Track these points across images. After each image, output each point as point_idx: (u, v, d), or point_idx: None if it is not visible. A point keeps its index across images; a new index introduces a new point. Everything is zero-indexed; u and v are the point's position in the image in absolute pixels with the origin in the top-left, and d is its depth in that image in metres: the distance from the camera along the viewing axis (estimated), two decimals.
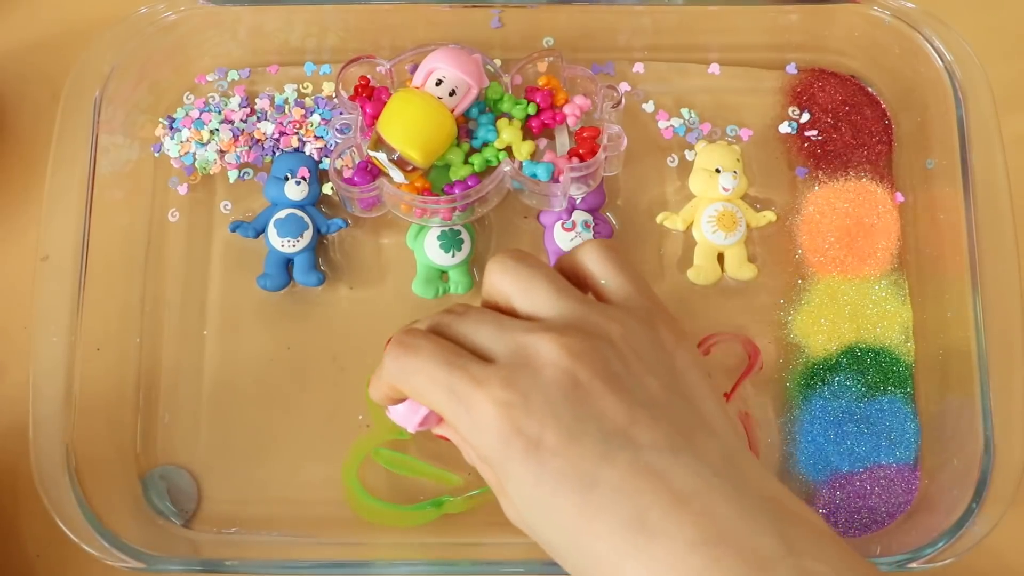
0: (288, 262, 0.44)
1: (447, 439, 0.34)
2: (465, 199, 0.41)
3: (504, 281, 0.31)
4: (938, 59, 0.44)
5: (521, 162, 0.42)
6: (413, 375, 0.30)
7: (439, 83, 0.40)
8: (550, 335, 0.28)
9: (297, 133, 0.45)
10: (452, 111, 0.40)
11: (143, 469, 0.42)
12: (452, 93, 0.40)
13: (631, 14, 0.45)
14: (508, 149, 0.42)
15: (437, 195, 0.41)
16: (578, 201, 0.44)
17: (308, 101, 0.46)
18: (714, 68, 0.47)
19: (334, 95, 0.45)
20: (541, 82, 0.44)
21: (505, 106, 0.43)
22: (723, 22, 0.46)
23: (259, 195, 0.45)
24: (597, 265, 0.32)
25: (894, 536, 0.41)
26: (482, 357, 0.29)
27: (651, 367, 0.29)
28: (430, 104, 0.40)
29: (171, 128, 0.46)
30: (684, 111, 0.46)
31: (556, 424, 0.27)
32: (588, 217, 0.43)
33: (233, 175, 0.45)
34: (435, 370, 0.29)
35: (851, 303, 0.44)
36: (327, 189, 0.45)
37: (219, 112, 0.46)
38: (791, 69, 0.47)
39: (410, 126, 0.39)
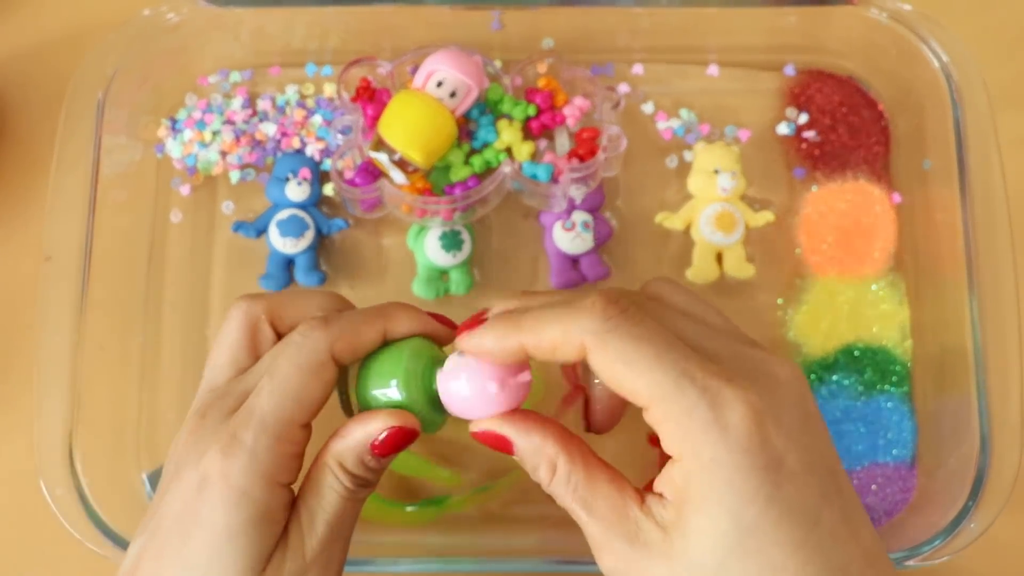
0: (289, 262, 0.44)
1: (488, 438, 0.29)
2: (466, 200, 0.41)
3: (678, 293, 0.29)
4: (935, 60, 0.44)
5: (521, 163, 0.42)
6: (635, 346, 0.25)
7: (440, 84, 0.40)
8: (778, 357, 0.27)
9: (299, 134, 0.46)
10: (453, 112, 0.41)
11: (146, 467, 0.43)
12: (453, 94, 0.40)
13: (630, 16, 0.46)
14: (508, 150, 0.42)
15: (438, 196, 0.42)
16: (578, 201, 0.44)
17: (310, 102, 0.46)
18: (713, 69, 0.47)
19: (335, 96, 0.45)
20: (541, 83, 0.44)
21: (505, 107, 0.43)
22: (721, 24, 0.46)
23: (261, 196, 0.46)
24: None
25: (891, 534, 0.41)
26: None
27: None
28: (431, 105, 0.40)
29: (174, 129, 0.46)
30: (683, 112, 0.47)
31: (798, 447, 0.25)
32: (588, 217, 0.44)
33: (235, 176, 0.46)
34: (667, 349, 0.25)
35: (849, 303, 0.44)
36: (328, 190, 0.45)
37: (221, 113, 0.46)
38: (789, 70, 0.47)
39: (411, 127, 0.40)
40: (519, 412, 0.29)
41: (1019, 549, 0.42)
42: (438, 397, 0.30)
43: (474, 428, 0.29)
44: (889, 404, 0.43)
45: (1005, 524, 0.38)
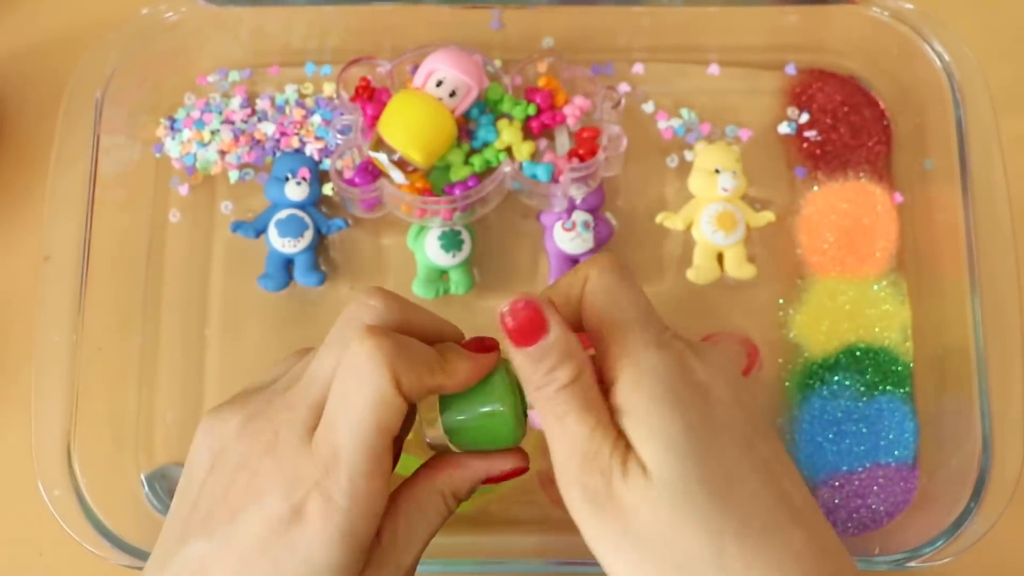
0: (289, 262, 0.44)
1: (524, 311, 0.28)
2: (465, 199, 0.41)
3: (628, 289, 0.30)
4: (936, 60, 0.44)
5: (521, 163, 0.42)
6: (628, 285, 0.29)
7: (439, 84, 0.40)
8: None
9: (298, 134, 0.46)
10: (452, 112, 0.40)
11: (145, 468, 0.43)
12: (452, 94, 0.40)
13: (631, 15, 0.46)
14: (508, 150, 0.42)
15: (438, 196, 0.42)
16: (578, 201, 0.44)
17: (309, 102, 0.46)
18: (713, 69, 0.47)
19: (335, 96, 0.45)
20: (541, 83, 0.44)
21: (505, 107, 0.43)
22: (722, 23, 0.46)
23: (260, 195, 0.45)
24: None
25: (893, 535, 0.41)
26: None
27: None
28: (430, 105, 0.40)
29: (172, 128, 0.46)
30: (684, 112, 0.47)
31: (722, 383, 0.28)
32: (588, 217, 0.44)
33: (234, 175, 0.45)
34: (643, 296, 0.30)
35: (850, 303, 0.44)
36: (327, 189, 0.45)
37: (220, 113, 0.46)
38: (790, 70, 0.47)
39: (411, 127, 0.39)
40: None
41: (1021, 550, 0.42)
42: (525, 414, 0.30)
43: (515, 301, 0.28)
44: (890, 405, 0.43)
45: (1007, 525, 0.38)
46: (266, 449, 0.28)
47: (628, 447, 0.27)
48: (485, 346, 0.30)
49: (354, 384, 0.27)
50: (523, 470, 0.30)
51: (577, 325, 0.29)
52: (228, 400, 0.31)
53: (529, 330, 0.27)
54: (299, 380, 0.29)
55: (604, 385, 0.28)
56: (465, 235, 0.43)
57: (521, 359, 0.28)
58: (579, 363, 0.27)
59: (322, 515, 0.26)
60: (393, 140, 0.40)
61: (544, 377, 0.27)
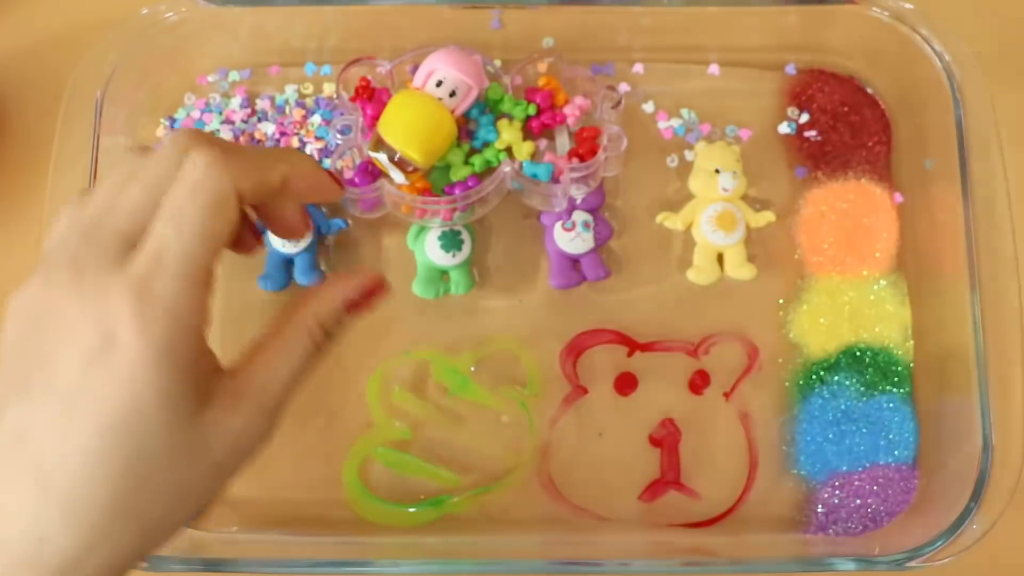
0: (288, 262, 0.44)
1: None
2: (465, 200, 0.41)
3: None
4: (937, 60, 0.44)
5: (521, 162, 0.42)
6: None
7: (439, 84, 0.40)
8: None
9: (298, 134, 0.46)
10: (452, 112, 0.40)
11: None
12: (452, 94, 0.40)
13: (631, 15, 0.46)
14: (508, 149, 0.42)
15: (437, 196, 0.42)
16: (578, 201, 0.44)
17: (309, 102, 0.46)
18: (714, 69, 0.47)
19: (335, 96, 0.45)
20: (541, 82, 0.44)
21: (505, 107, 0.43)
22: (722, 23, 0.46)
23: None
24: None
25: (893, 535, 0.41)
26: None
27: None
28: (430, 105, 0.40)
29: (172, 128, 0.46)
30: (684, 111, 0.47)
31: None
32: (588, 217, 0.44)
33: None
34: None
35: (850, 303, 0.44)
36: None
37: (220, 112, 0.46)
38: (790, 70, 0.47)
39: (410, 127, 0.39)
40: None
41: (1022, 551, 0.42)
42: None
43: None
44: (890, 405, 0.43)
45: (1007, 525, 0.38)
46: (71, 285, 0.26)
47: None
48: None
49: (191, 192, 0.26)
50: (381, 287, 0.31)
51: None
52: None
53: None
54: (96, 216, 0.27)
55: None
56: (465, 235, 0.43)
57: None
58: None
59: (138, 332, 0.25)
60: (393, 140, 0.40)
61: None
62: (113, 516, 0.25)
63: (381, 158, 0.40)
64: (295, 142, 0.45)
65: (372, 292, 0.31)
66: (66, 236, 0.27)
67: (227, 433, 0.27)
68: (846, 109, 0.46)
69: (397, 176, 0.41)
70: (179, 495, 0.26)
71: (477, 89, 0.41)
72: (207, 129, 0.45)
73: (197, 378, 0.26)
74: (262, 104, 0.46)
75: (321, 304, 0.30)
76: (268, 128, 0.46)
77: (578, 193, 0.43)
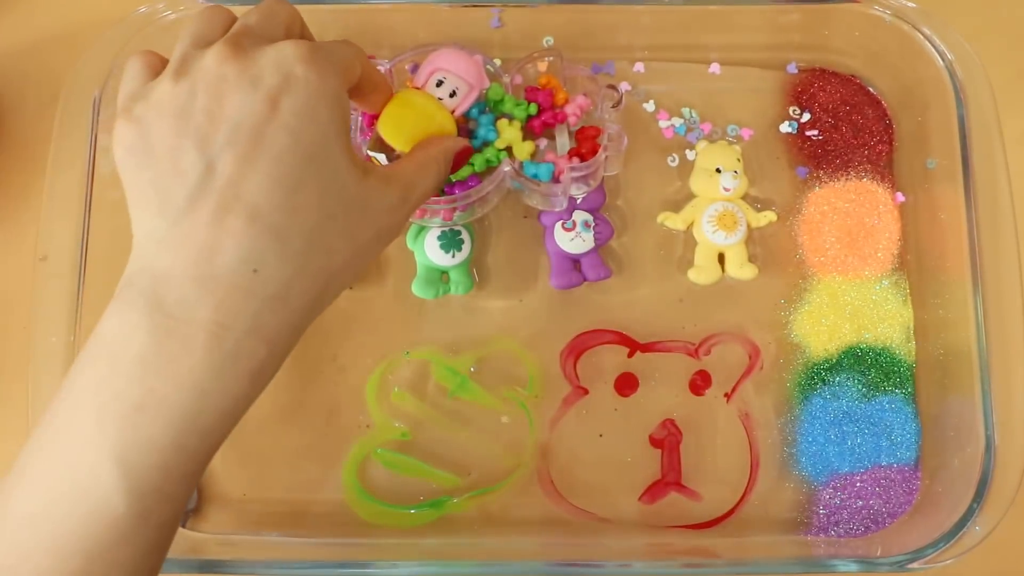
0: None
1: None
2: (465, 199, 0.41)
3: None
4: (939, 58, 0.43)
5: (521, 162, 0.42)
6: None
7: (440, 84, 0.40)
8: None
9: None
10: (452, 112, 0.40)
11: None
12: (452, 94, 0.40)
13: (631, 14, 0.45)
14: (509, 149, 0.42)
15: (437, 195, 0.41)
16: (578, 201, 0.44)
17: None
18: (715, 68, 0.47)
19: None
20: (541, 82, 0.43)
21: (506, 107, 0.42)
22: (723, 22, 0.46)
23: None
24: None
25: (895, 536, 0.41)
26: None
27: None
28: (430, 105, 0.40)
29: None
30: (685, 111, 0.46)
31: None
32: (588, 217, 0.43)
33: None
34: None
35: (852, 303, 0.44)
36: None
37: None
38: (792, 69, 0.47)
39: (410, 126, 0.39)
40: None
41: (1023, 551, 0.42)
42: None
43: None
44: (892, 405, 0.43)
45: (1010, 527, 0.38)
46: (234, 57, 0.29)
47: None
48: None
49: (345, 44, 0.33)
50: (470, 149, 0.38)
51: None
52: None
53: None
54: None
55: None
56: (465, 235, 0.43)
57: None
58: None
59: (315, 72, 0.29)
60: (392, 140, 0.40)
61: None
62: (311, 247, 0.28)
63: (380, 158, 0.40)
64: None
65: (466, 152, 0.38)
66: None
67: (383, 203, 0.31)
68: (848, 108, 0.46)
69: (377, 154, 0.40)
70: (354, 246, 0.30)
71: (478, 90, 0.41)
72: None
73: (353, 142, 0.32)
74: None
75: (441, 144, 0.36)
76: None
77: (578, 193, 0.43)
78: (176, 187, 0.28)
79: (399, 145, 0.39)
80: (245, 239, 0.27)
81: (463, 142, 0.38)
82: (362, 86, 0.34)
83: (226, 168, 0.27)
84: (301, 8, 0.45)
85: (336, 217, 0.29)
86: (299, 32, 0.33)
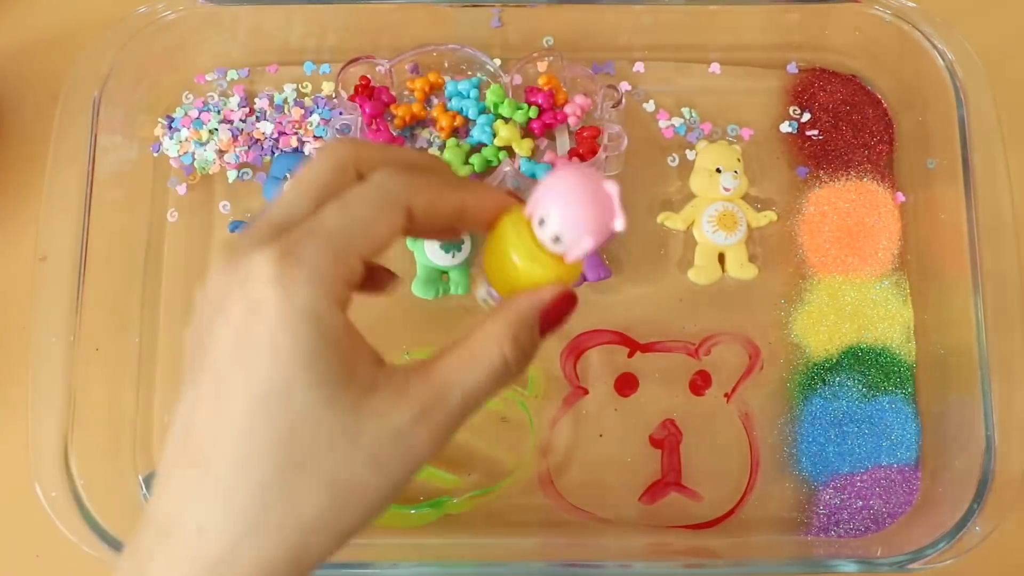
0: None
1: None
2: None
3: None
4: (939, 58, 0.43)
5: (520, 161, 0.42)
6: None
7: (542, 223, 0.28)
8: None
9: (296, 133, 0.45)
10: (560, 256, 0.28)
11: (142, 469, 0.42)
12: (556, 240, 0.27)
13: (631, 13, 0.45)
14: (509, 149, 0.42)
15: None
16: None
17: (307, 101, 0.46)
18: (715, 67, 0.47)
19: (334, 95, 0.45)
20: (541, 82, 0.43)
21: (506, 111, 0.42)
22: (724, 22, 0.46)
23: (258, 195, 0.45)
24: None
25: (895, 537, 0.41)
26: None
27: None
28: (521, 249, 0.28)
29: (170, 128, 0.46)
30: (685, 110, 0.46)
31: None
32: None
33: (232, 175, 0.45)
34: None
35: (852, 303, 0.44)
36: None
37: (218, 112, 0.46)
38: (792, 68, 0.47)
39: (508, 269, 0.29)
40: None
41: None
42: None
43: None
44: (892, 405, 0.43)
45: (1010, 527, 0.38)
46: (224, 267, 0.25)
47: None
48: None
49: (366, 187, 0.26)
50: (573, 297, 0.27)
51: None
52: None
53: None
54: (258, 214, 0.27)
55: None
56: (465, 235, 0.43)
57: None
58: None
59: (279, 294, 0.24)
60: (493, 283, 0.30)
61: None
62: (267, 502, 0.24)
63: (483, 292, 0.32)
64: (294, 141, 0.45)
65: (565, 303, 0.27)
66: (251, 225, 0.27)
67: (387, 427, 0.25)
68: (848, 108, 0.46)
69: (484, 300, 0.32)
70: (334, 489, 0.25)
71: (595, 241, 0.27)
72: (205, 128, 0.45)
73: (348, 357, 0.25)
74: (260, 103, 0.46)
75: (513, 312, 0.27)
76: (266, 127, 0.45)
77: None
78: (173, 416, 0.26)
79: (500, 291, 0.30)
80: (190, 493, 0.24)
81: (557, 291, 0.27)
82: (432, 213, 0.27)
83: (188, 409, 0.25)
84: (300, 8, 0.45)
85: (303, 464, 0.24)
86: (341, 186, 0.27)
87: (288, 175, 0.44)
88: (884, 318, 0.44)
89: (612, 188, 0.27)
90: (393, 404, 0.25)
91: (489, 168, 0.42)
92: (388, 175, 0.26)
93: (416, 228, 0.27)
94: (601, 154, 0.41)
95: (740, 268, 0.44)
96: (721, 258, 0.44)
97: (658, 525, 0.42)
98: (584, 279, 0.44)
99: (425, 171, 0.28)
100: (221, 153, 0.45)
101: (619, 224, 0.26)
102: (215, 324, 0.25)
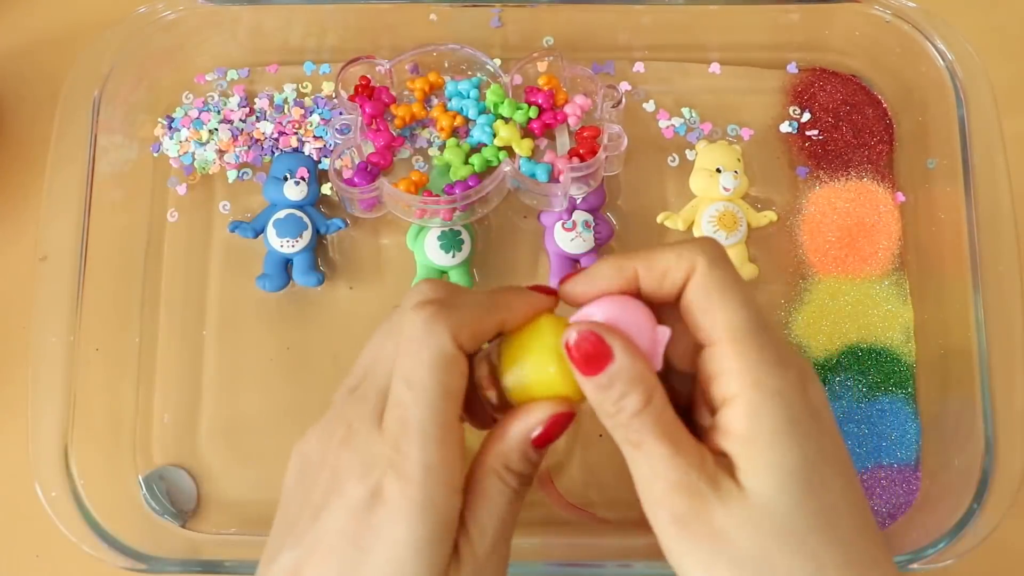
0: (287, 262, 0.44)
1: (586, 342, 0.27)
2: (465, 199, 0.41)
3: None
4: (939, 58, 0.43)
5: (520, 160, 0.42)
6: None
7: None
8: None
9: (296, 133, 0.45)
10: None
11: (142, 469, 0.42)
12: None
13: (631, 13, 0.45)
14: (509, 148, 0.42)
15: (438, 195, 0.41)
16: (579, 201, 0.44)
17: (307, 101, 0.46)
18: (715, 67, 0.47)
19: (334, 95, 0.45)
20: (541, 82, 0.43)
21: (506, 111, 0.42)
22: (724, 21, 0.46)
23: (258, 195, 0.45)
24: None
25: (895, 537, 0.41)
26: None
27: None
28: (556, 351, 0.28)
29: (170, 128, 0.46)
30: (685, 111, 0.46)
31: (827, 407, 0.28)
32: (588, 217, 0.43)
33: (232, 175, 0.45)
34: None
35: (852, 303, 0.44)
36: (326, 189, 0.45)
37: (218, 112, 0.46)
38: (792, 68, 0.47)
39: (518, 359, 0.29)
40: (624, 334, 0.27)
41: None
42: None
43: (576, 326, 0.27)
44: (892, 405, 0.43)
45: (1010, 526, 0.38)
46: (342, 443, 0.28)
47: (722, 469, 0.26)
48: (542, 289, 0.30)
49: (414, 351, 0.27)
50: (567, 416, 0.28)
51: (661, 303, 0.28)
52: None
53: (594, 359, 0.26)
54: (364, 373, 0.29)
55: (707, 395, 0.27)
56: (465, 235, 0.43)
57: (589, 388, 0.27)
58: (647, 387, 0.26)
59: (398, 491, 0.26)
60: (508, 383, 0.29)
61: (614, 405, 0.26)
62: None
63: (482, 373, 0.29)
64: (294, 141, 0.45)
65: (558, 422, 0.28)
66: (343, 392, 0.30)
67: None
68: (848, 108, 0.46)
69: (488, 403, 0.29)
70: None
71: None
72: (205, 128, 0.45)
73: (449, 531, 0.27)
74: (260, 103, 0.46)
75: (504, 445, 0.28)
76: (266, 127, 0.45)
77: (578, 193, 0.43)
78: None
79: (514, 388, 0.28)
80: None
81: (549, 414, 0.27)
82: (477, 342, 0.28)
83: (294, 564, 0.27)
84: (300, 7, 0.45)
85: None
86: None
87: (288, 175, 0.44)
88: (884, 318, 0.44)
89: (664, 333, 0.28)
90: (465, 563, 0.27)
91: (489, 168, 0.42)
92: (425, 324, 0.27)
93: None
94: (601, 154, 0.41)
95: (740, 268, 0.44)
96: None
97: None
98: None
99: (451, 298, 0.28)
100: (221, 153, 0.45)
101: (656, 366, 0.27)
102: (332, 495, 0.27)
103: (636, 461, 0.27)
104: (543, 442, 0.28)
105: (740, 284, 0.27)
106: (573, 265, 0.44)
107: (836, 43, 0.46)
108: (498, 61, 0.44)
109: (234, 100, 0.46)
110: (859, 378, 0.43)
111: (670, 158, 0.46)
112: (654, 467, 0.26)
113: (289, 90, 0.46)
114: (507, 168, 0.41)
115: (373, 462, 0.26)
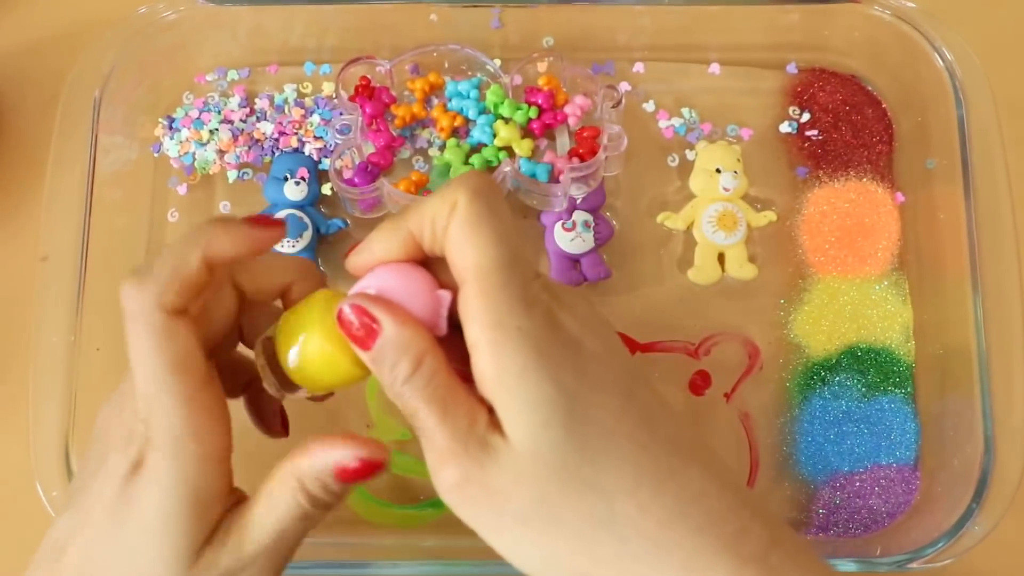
0: None
1: (357, 313, 0.26)
2: None
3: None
4: (939, 59, 0.43)
5: (520, 160, 0.42)
6: (494, 215, 0.26)
7: None
8: None
9: (296, 133, 0.45)
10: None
11: None
12: None
13: (631, 14, 0.45)
14: (509, 148, 0.42)
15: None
16: (578, 201, 0.44)
17: (308, 101, 0.46)
18: (714, 68, 0.47)
19: (334, 95, 0.45)
20: (541, 82, 0.44)
21: (506, 111, 0.43)
22: (723, 22, 0.46)
23: (258, 195, 0.45)
24: None
25: (894, 536, 0.41)
26: None
27: None
28: (333, 330, 0.26)
29: (170, 128, 0.46)
30: (684, 111, 0.46)
31: (594, 334, 0.26)
32: (588, 217, 0.43)
33: (232, 175, 0.45)
34: (511, 235, 0.26)
35: (851, 303, 0.44)
36: (326, 189, 0.45)
37: (219, 112, 0.46)
38: (791, 69, 0.47)
39: (292, 340, 0.28)
40: (392, 303, 0.26)
41: (1023, 551, 0.42)
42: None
43: (345, 300, 0.26)
44: (892, 405, 0.43)
45: (1009, 526, 0.38)
46: (115, 412, 0.28)
47: (493, 426, 0.25)
48: (256, 220, 0.28)
49: (128, 328, 0.27)
50: (376, 465, 0.26)
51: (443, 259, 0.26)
52: None
53: (365, 333, 0.25)
54: None
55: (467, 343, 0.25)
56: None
57: (367, 361, 0.26)
58: (416, 354, 0.25)
59: (152, 463, 0.26)
60: (283, 351, 0.28)
61: (389, 375, 0.25)
62: None
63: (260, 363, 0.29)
64: (294, 141, 0.45)
65: (369, 466, 0.26)
66: None
67: (213, 571, 0.27)
68: (848, 108, 0.46)
69: (270, 388, 0.29)
70: None
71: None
72: (206, 128, 0.45)
73: (209, 509, 0.27)
74: (261, 103, 0.46)
75: (306, 462, 0.27)
76: (267, 128, 0.45)
77: (578, 193, 0.43)
78: None
79: (294, 370, 0.28)
80: None
81: (358, 456, 0.26)
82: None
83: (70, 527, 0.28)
84: (300, 8, 0.45)
85: None
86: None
87: (288, 175, 0.44)
88: (884, 318, 0.44)
89: (444, 296, 0.26)
90: (218, 548, 0.27)
91: (489, 168, 0.42)
92: (125, 298, 0.28)
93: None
94: (601, 154, 0.42)
95: (740, 268, 0.44)
96: (721, 258, 0.44)
97: None
98: (584, 279, 0.44)
99: (151, 261, 0.28)
100: (221, 153, 0.45)
101: (439, 330, 0.26)
102: (101, 464, 0.27)
103: (417, 432, 0.25)
104: (346, 479, 0.26)
105: (497, 218, 0.25)
106: (573, 265, 0.44)
107: (836, 43, 0.46)
108: (498, 61, 0.44)
109: (234, 100, 0.46)
110: (858, 378, 0.43)
111: (670, 158, 0.46)
112: (427, 436, 0.25)
113: (289, 90, 0.46)
114: (507, 168, 0.41)
115: (134, 433, 0.27)
